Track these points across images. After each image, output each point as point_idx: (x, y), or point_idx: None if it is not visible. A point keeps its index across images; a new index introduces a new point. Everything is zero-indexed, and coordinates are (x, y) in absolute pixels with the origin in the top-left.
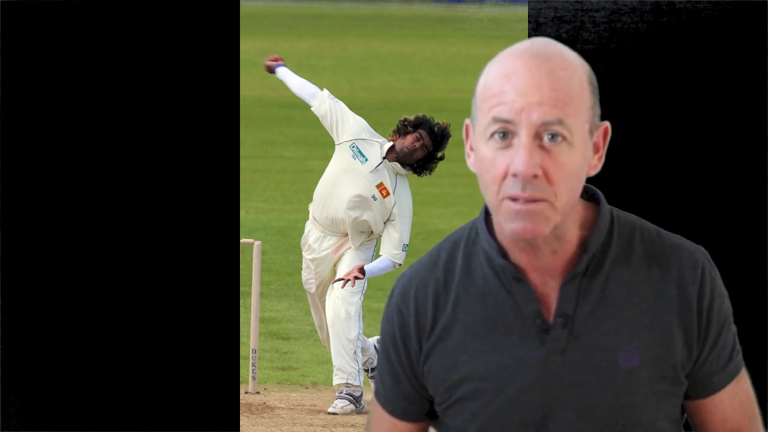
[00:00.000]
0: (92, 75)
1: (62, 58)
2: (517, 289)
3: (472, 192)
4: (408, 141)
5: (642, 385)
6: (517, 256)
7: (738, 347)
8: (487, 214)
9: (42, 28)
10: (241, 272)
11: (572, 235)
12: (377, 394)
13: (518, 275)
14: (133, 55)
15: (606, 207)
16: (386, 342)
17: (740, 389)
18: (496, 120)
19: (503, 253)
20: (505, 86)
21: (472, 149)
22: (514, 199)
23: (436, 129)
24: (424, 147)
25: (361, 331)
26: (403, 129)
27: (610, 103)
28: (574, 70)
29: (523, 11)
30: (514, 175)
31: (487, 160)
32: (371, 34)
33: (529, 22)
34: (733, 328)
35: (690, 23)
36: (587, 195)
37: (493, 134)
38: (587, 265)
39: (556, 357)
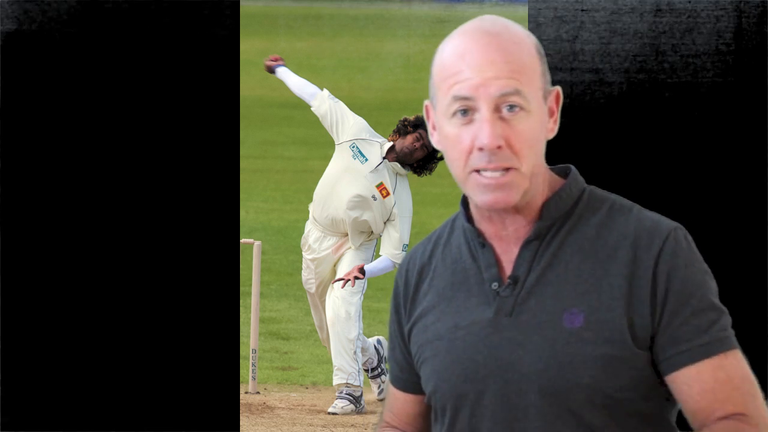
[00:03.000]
0: (93, 75)
1: (64, 59)
2: (481, 254)
3: None
4: (408, 141)
5: (584, 347)
6: (483, 225)
7: (723, 326)
8: None
9: (44, 26)
10: (241, 272)
11: (537, 201)
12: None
13: (482, 240)
14: (133, 55)
15: (574, 180)
16: (390, 316)
17: (727, 366)
18: (456, 98)
19: (471, 220)
20: (461, 65)
21: (434, 128)
22: (480, 171)
23: None
24: (424, 147)
25: (361, 331)
26: (403, 129)
27: (609, 103)
28: (522, 41)
29: (523, 11)
30: (480, 149)
31: (452, 137)
32: (371, 34)
33: (529, 22)
34: (716, 306)
35: (690, 23)
36: (564, 172)
37: (455, 112)
38: (546, 231)
39: (503, 318)
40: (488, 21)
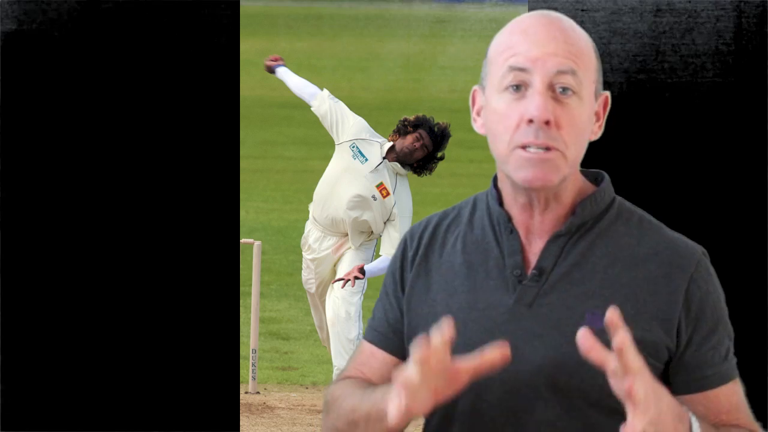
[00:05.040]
0: (93, 75)
1: (64, 59)
2: (506, 239)
3: (472, 192)
4: (408, 141)
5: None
6: (513, 210)
7: (733, 353)
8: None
9: (44, 26)
10: (241, 272)
11: (568, 198)
12: (365, 331)
13: (511, 226)
14: (133, 55)
15: (607, 187)
16: (387, 276)
17: (738, 391)
18: (511, 69)
19: (501, 203)
20: (521, 38)
21: (479, 114)
22: (525, 147)
23: (436, 129)
24: (424, 147)
25: (361, 331)
26: (403, 129)
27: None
28: (582, 34)
29: (523, 11)
30: (529, 121)
31: (500, 111)
32: (371, 34)
33: None
34: (730, 332)
35: (690, 23)
36: (593, 178)
37: (507, 86)
38: (575, 229)
39: (523, 308)
40: (550, 11)
